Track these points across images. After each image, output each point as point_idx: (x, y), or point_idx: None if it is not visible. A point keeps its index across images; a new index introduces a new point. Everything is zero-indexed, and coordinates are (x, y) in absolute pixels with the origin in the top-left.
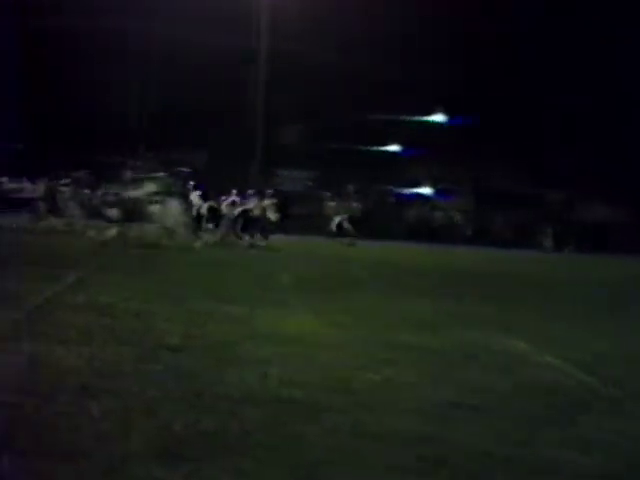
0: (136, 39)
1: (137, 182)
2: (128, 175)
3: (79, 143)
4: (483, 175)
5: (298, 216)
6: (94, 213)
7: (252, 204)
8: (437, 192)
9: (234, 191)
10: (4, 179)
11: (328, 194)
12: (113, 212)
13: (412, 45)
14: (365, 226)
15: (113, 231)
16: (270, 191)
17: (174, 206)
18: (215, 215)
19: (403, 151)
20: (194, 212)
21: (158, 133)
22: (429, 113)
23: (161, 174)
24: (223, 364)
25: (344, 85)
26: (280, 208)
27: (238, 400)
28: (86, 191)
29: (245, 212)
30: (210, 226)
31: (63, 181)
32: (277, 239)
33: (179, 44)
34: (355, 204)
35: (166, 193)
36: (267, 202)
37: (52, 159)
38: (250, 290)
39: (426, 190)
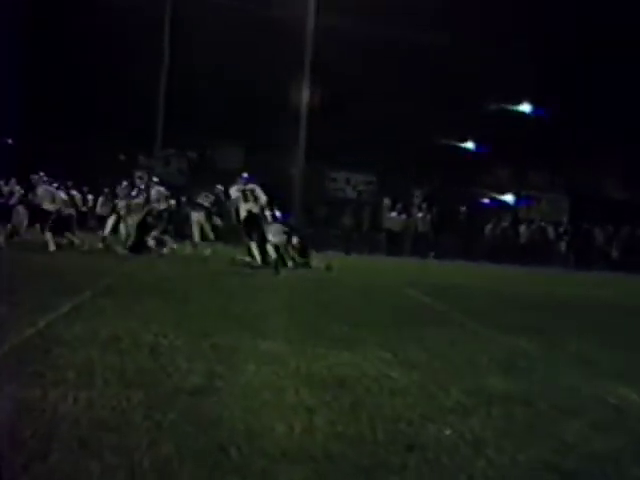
0: None
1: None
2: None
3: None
4: (580, 179)
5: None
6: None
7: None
8: (522, 199)
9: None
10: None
11: (388, 202)
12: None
13: (492, 25)
14: (432, 244)
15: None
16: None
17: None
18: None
19: (480, 148)
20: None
21: (185, 129)
22: (513, 103)
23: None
24: (254, 412)
25: (410, 72)
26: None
27: (273, 457)
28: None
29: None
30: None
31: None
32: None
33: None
34: (420, 215)
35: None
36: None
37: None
38: (297, 321)
39: (508, 197)
